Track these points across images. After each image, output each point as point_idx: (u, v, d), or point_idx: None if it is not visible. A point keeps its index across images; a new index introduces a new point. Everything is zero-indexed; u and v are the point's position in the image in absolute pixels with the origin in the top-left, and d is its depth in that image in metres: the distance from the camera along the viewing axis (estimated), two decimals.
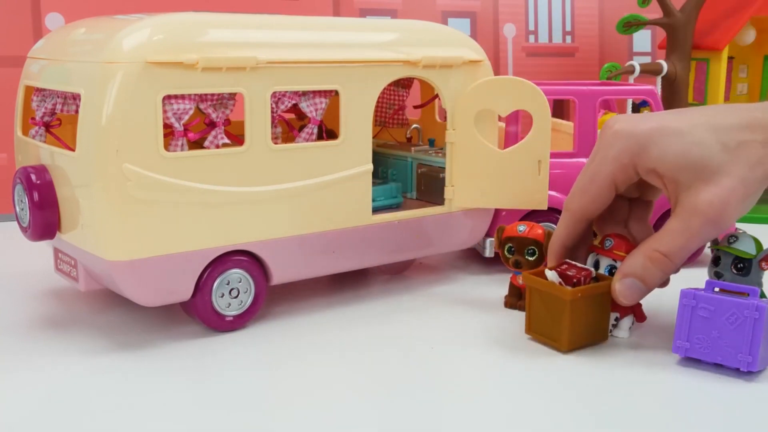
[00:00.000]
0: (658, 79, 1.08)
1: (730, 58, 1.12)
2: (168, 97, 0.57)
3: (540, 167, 0.70)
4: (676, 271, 0.60)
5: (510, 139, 0.78)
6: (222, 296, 0.62)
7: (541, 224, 0.69)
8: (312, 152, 0.65)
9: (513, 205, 0.72)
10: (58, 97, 0.64)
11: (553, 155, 0.75)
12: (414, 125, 0.85)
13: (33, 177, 0.62)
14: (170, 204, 0.58)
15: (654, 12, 1.11)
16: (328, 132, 0.71)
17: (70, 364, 0.58)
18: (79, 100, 0.57)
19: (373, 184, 0.69)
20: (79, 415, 0.50)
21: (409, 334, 0.64)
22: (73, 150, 0.58)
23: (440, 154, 0.77)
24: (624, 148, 0.59)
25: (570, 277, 0.59)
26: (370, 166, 0.68)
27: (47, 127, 0.66)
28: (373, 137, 0.69)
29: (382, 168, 0.83)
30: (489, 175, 0.71)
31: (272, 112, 0.63)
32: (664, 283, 0.62)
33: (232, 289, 0.63)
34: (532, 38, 1.36)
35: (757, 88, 1.18)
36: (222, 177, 0.60)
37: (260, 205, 0.62)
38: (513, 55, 1.34)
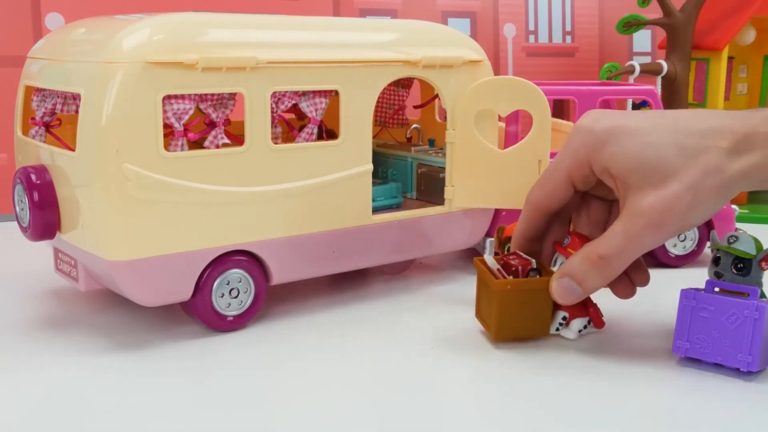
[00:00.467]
0: (658, 79, 1.08)
1: (730, 58, 1.12)
2: (168, 97, 0.57)
3: (540, 167, 0.70)
4: (615, 276, 0.56)
5: (510, 139, 0.78)
6: (222, 296, 0.62)
7: None
8: (312, 152, 0.65)
9: (513, 205, 0.72)
10: (58, 97, 0.64)
11: (553, 155, 0.75)
12: (414, 125, 0.85)
13: (33, 177, 0.62)
14: (170, 204, 0.58)
15: (654, 12, 1.11)
16: (328, 132, 0.71)
17: (70, 364, 0.58)
18: (79, 100, 0.57)
19: (373, 184, 0.69)
20: (79, 415, 0.50)
21: (409, 334, 0.64)
22: (73, 150, 0.58)
23: (440, 154, 0.77)
24: (582, 144, 0.57)
25: (511, 266, 0.60)
26: (370, 166, 0.68)
27: (47, 127, 0.66)
28: (373, 137, 0.69)
29: (382, 168, 0.83)
30: (489, 175, 0.71)
31: (272, 112, 0.63)
32: (628, 293, 0.60)
33: (232, 289, 0.63)
34: (532, 38, 1.36)
35: (757, 88, 1.18)
36: (222, 177, 0.60)
37: (260, 205, 0.62)
38: (513, 55, 1.34)
